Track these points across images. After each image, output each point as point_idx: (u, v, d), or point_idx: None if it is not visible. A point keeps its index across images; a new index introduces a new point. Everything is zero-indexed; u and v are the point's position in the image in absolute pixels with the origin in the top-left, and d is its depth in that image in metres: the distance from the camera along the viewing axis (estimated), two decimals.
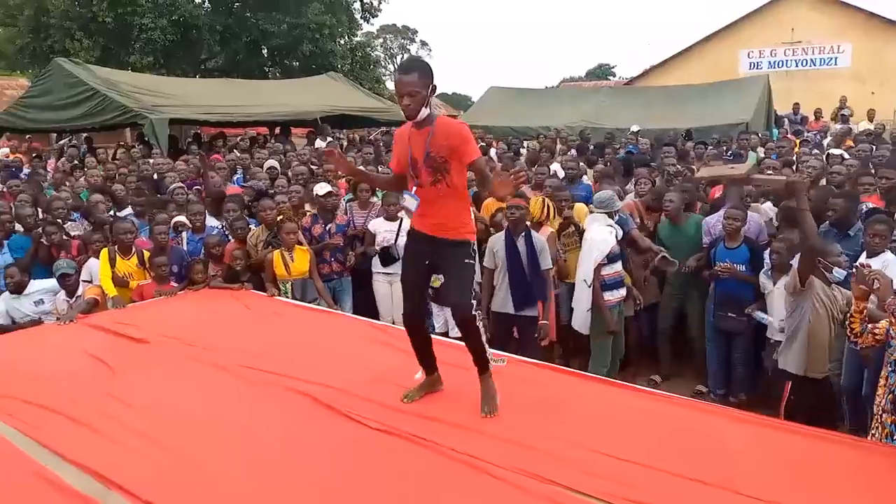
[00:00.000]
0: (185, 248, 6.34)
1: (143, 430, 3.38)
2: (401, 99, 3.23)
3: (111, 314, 5.31)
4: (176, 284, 5.88)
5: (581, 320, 5.43)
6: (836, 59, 23.90)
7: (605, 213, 5.38)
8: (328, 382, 3.82)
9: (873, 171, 6.36)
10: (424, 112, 3.25)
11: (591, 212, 5.61)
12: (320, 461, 3.09)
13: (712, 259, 5.44)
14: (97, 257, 5.79)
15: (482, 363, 3.47)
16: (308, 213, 6.57)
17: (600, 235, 5.32)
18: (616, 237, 5.31)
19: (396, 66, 47.66)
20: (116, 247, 5.82)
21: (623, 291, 5.41)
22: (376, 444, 3.20)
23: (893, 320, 3.26)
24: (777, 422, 3.44)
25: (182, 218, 6.50)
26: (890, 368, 3.30)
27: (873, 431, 3.38)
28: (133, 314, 5.27)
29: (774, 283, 5.01)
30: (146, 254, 5.87)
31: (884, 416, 3.31)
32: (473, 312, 3.34)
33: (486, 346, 3.48)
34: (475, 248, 3.45)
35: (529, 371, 4.12)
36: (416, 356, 3.64)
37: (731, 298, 5.35)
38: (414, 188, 3.39)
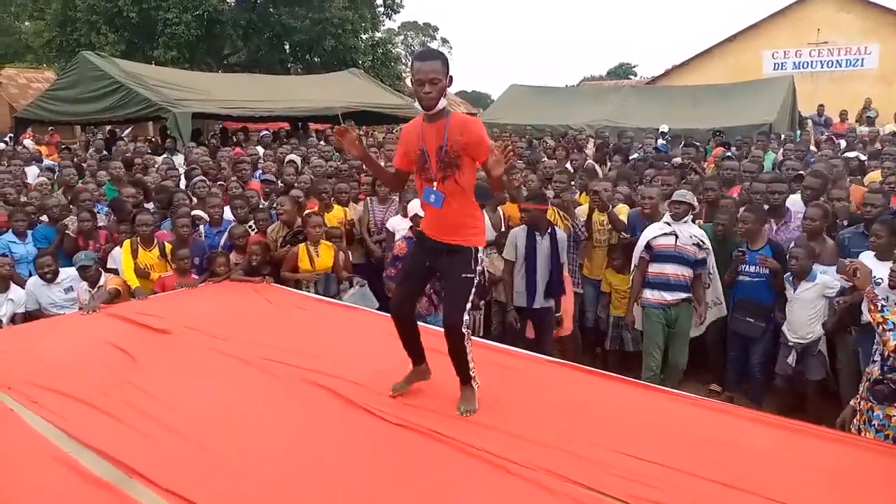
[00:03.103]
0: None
1: (165, 420, 3.40)
2: (421, 87, 3.15)
3: (133, 304, 5.36)
4: (197, 276, 5.92)
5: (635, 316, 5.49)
6: (862, 60, 23.55)
7: (672, 212, 5.27)
8: (348, 377, 3.83)
9: None
10: (442, 102, 3.21)
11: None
12: (339, 454, 3.09)
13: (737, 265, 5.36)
14: (122, 247, 5.86)
15: (464, 375, 3.45)
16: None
17: (650, 230, 5.27)
18: (675, 238, 5.12)
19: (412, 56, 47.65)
20: (138, 238, 5.87)
21: (669, 297, 5.16)
22: (395, 438, 3.20)
23: (873, 307, 3.28)
24: (804, 425, 3.39)
25: (199, 212, 6.54)
26: (872, 359, 3.38)
27: (854, 420, 3.47)
28: (155, 305, 5.32)
29: (795, 290, 4.93)
30: (168, 246, 5.92)
31: (861, 402, 3.43)
32: (463, 329, 3.31)
33: (472, 362, 3.42)
34: (479, 255, 3.36)
35: (550, 370, 4.09)
36: (403, 346, 3.63)
37: (749, 302, 5.28)
38: (435, 185, 3.30)
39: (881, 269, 4.42)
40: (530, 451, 3.01)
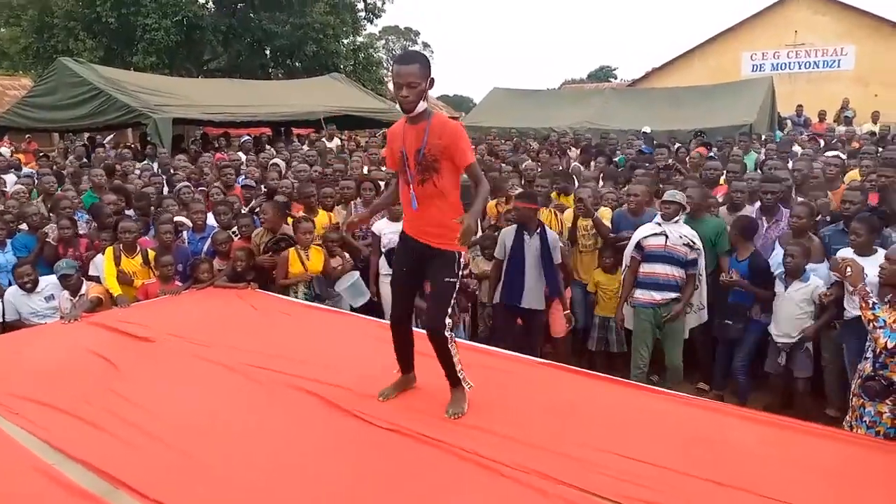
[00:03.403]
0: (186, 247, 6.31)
1: (150, 429, 3.35)
2: (399, 90, 3.15)
3: (115, 313, 5.29)
4: (180, 284, 5.85)
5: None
6: (839, 61, 23.86)
7: (662, 211, 5.28)
8: (335, 381, 3.79)
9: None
10: (422, 105, 3.20)
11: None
12: (328, 461, 3.06)
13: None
14: (104, 254, 5.78)
15: (453, 378, 3.44)
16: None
17: (641, 230, 5.29)
18: (665, 238, 5.11)
19: (399, 57, 47.40)
20: (121, 245, 5.80)
21: (659, 296, 5.14)
22: (385, 443, 3.18)
23: (864, 305, 3.31)
24: (794, 422, 3.40)
25: (182, 218, 6.47)
26: (865, 356, 3.43)
27: (847, 416, 3.54)
28: (138, 313, 5.24)
29: (786, 288, 4.95)
30: (151, 253, 5.85)
31: (853, 399, 3.49)
32: (446, 333, 3.30)
33: (458, 364, 3.41)
34: (460, 259, 3.35)
35: (539, 371, 4.08)
36: (396, 354, 3.64)
37: (730, 306, 5.34)
38: (412, 187, 3.29)
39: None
40: (522, 454, 3.00)
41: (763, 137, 11.58)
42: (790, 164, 7.31)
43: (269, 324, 5.01)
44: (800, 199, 5.73)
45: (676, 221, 5.15)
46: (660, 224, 5.17)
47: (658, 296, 5.13)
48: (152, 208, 7.06)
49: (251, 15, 23.85)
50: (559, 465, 2.90)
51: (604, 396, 3.72)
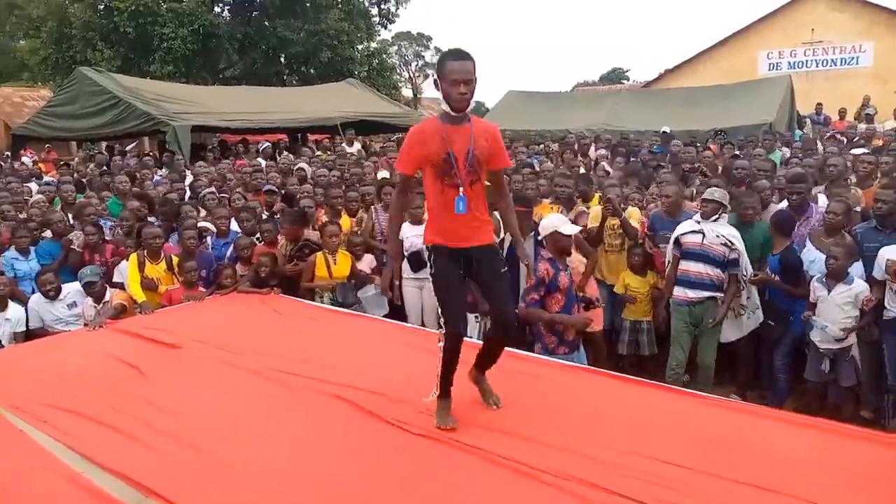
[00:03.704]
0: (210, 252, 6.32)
1: (179, 436, 3.32)
2: (456, 87, 3.05)
3: (140, 319, 5.28)
4: (204, 289, 5.84)
5: None
6: (857, 58, 23.59)
7: (701, 210, 5.19)
8: (366, 386, 3.75)
9: None
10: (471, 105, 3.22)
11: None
12: (361, 468, 3.01)
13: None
14: (128, 260, 5.79)
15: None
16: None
17: (681, 227, 5.23)
18: (702, 236, 5.01)
19: (412, 73, 47.75)
20: (145, 252, 5.80)
21: (692, 294, 5.03)
22: (420, 449, 3.13)
23: None
24: (827, 423, 3.32)
25: (205, 223, 6.47)
26: None
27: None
28: (163, 319, 5.24)
29: (830, 292, 4.75)
30: (175, 259, 5.84)
31: None
32: None
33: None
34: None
35: (568, 375, 4.02)
36: (447, 373, 3.34)
37: (769, 305, 5.21)
38: (461, 190, 3.19)
39: None
40: (558, 458, 2.93)
41: (782, 135, 11.42)
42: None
43: (295, 329, 4.98)
44: (835, 195, 5.59)
45: (716, 220, 5.05)
46: (698, 222, 5.09)
47: (692, 293, 5.04)
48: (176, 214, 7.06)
49: (266, 23, 24.01)
50: (585, 467, 2.85)
51: (632, 399, 3.64)
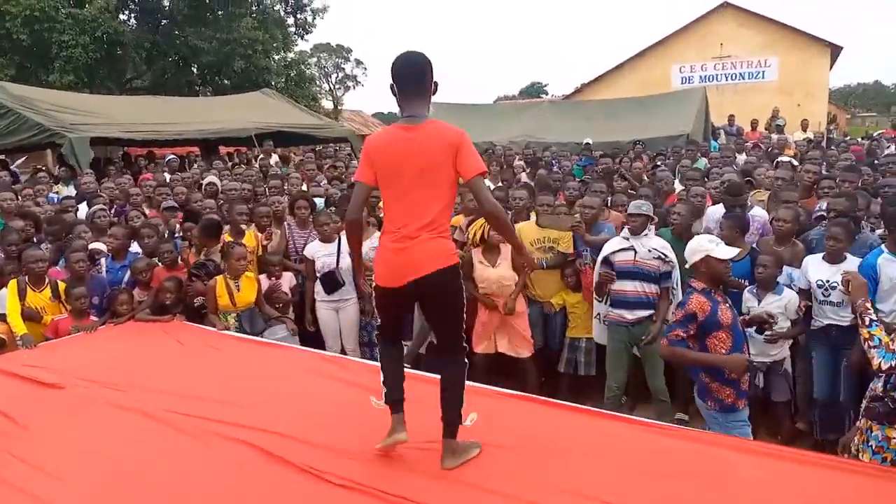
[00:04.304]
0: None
1: (52, 499, 2.79)
2: None
3: (18, 355, 4.63)
4: (96, 318, 5.22)
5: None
6: (763, 72, 24.66)
7: (630, 225, 4.92)
8: (277, 428, 3.30)
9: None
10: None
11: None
12: None
13: None
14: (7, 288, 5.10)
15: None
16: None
17: (609, 245, 4.95)
18: (633, 253, 4.77)
19: (332, 85, 47.11)
20: (27, 277, 5.14)
21: (630, 315, 4.79)
22: (339, 502, 2.69)
23: (861, 322, 3.05)
24: (788, 451, 3.11)
25: (98, 244, 5.82)
26: (877, 374, 3.09)
27: (854, 438, 3.21)
28: (45, 354, 4.61)
29: (760, 302, 4.57)
30: (61, 285, 5.20)
31: (861, 420, 3.19)
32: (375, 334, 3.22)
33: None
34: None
35: (510, 404, 3.67)
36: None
37: None
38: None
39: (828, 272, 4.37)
40: None
41: (702, 146, 11.58)
42: (770, 171, 7.09)
43: (199, 361, 4.45)
44: (783, 203, 5.47)
45: (646, 234, 4.83)
46: (627, 238, 4.85)
47: (629, 315, 4.79)
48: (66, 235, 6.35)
49: (175, 31, 22.91)
50: None
51: (575, 428, 3.34)
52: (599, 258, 5.00)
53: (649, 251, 4.75)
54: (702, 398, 3.74)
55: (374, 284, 3.00)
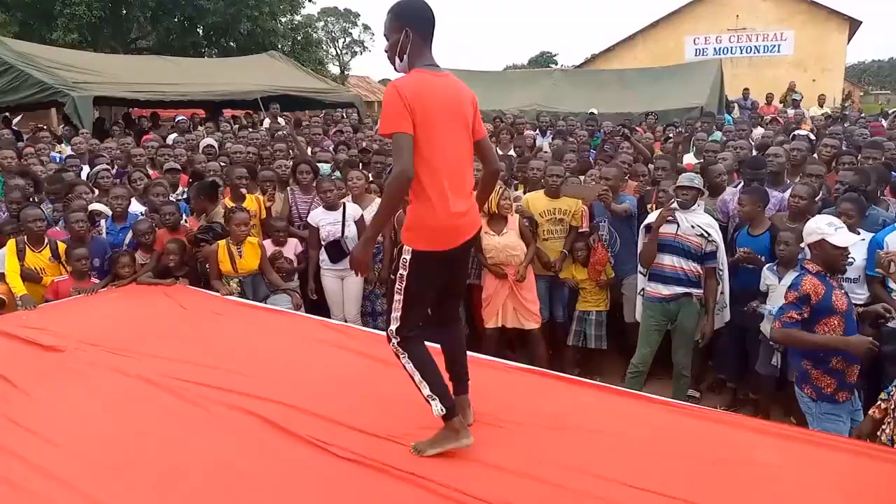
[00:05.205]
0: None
1: (54, 469, 2.70)
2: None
3: (17, 317, 4.52)
4: (97, 280, 5.11)
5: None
6: (779, 46, 24.16)
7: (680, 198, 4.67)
8: (282, 398, 3.19)
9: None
10: (398, 63, 2.70)
11: None
12: (277, 499, 2.48)
13: (735, 246, 4.86)
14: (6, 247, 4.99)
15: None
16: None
17: (652, 215, 4.76)
18: (676, 226, 4.57)
19: (339, 50, 46.58)
20: (26, 237, 5.02)
21: (666, 290, 4.60)
22: (347, 477, 2.59)
23: None
24: (818, 435, 2.99)
25: (98, 205, 5.68)
26: None
27: (886, 428, 3.05)
28: (45, 316, 4.50)
29: (780, 279, 4.41)
30: (61, 245, 5.08)
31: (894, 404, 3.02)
32: (392, 341, 2.73)
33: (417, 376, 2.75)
34: (408, 256, 2.66)
35: (517, 377, 3.56)
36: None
37: (748, 291, 4.73)
38: None
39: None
40: (509, 486, 2.48)
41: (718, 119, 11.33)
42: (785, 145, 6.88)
43: (202, 327, 4.34)
44: (799, 178, 5.31)
45: (694, 209, 4.61)
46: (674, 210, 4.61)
47: (665, 290, 4.61)
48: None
49: None
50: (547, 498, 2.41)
51: (587, 405, 3.23)
52: (643, 226, 4.85)
53: (692, 227, 4.55)
54: (799, 385, 3.64)
55: (414, 251, 2.65)
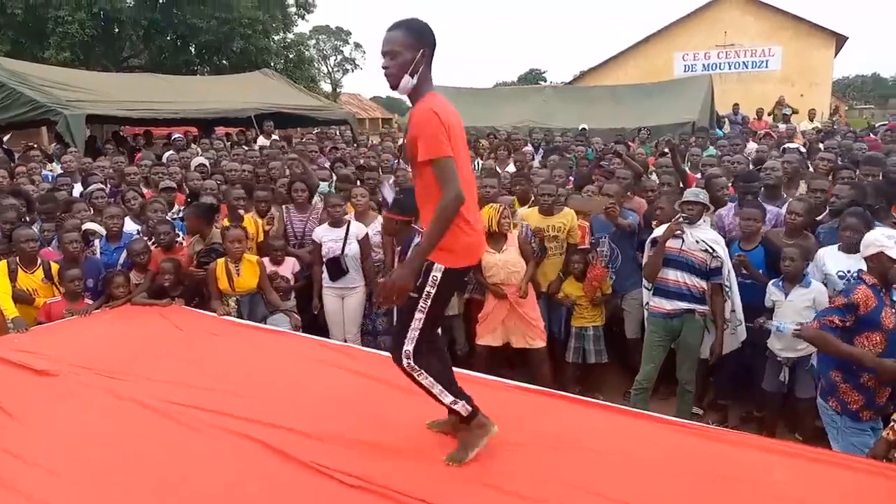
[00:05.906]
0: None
1: (47, 498, 2.62)
2: (382, 59, 2.64)
3: (9, 340, 4.44)
4: (91, 301, 5.04)
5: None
6: (766, 61, 24.45)
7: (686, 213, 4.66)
8: (281, 422, 3.12)
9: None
10: (408, 82, 2.61)
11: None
12: None
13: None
14: None
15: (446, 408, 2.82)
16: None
17: (659, 229, 4.75)
18: (681, 242, 4.55)
19: (330, 68, 46.75)
20: (18, 258, 4.94)
21: (669, 306, 4.57)
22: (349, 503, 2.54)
23: None
24: (823, 452, 2.95)
25: (92, 224, 5.62)
26: None
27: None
28: (37, 339, 4.42)
29: (787, 295, 4.41)
30: (54, 266, 5.01)
31: None
32: (406, 363, 2.68)
33: (437, 388, 2.75)
34: (439, 274, 2.62)
35: (521, 398, 3.50)
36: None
37: (752, 307, 4.69)
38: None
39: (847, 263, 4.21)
40: None
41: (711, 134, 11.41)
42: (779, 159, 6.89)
43: (198, 349, 4.27)
44: (797, 193, 5.32)
45: (699, 225, 4.59)
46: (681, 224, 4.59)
47: (668, 305, 4.57)
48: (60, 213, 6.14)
49: (174, 9, 22.52)
50: None
51: (591, 424, 3.18)
52: (649, 240, 4.83)
53: (697, 242, 4.53)
54: (824, 397, 3.61)
55: (444, 269, 2.62)
